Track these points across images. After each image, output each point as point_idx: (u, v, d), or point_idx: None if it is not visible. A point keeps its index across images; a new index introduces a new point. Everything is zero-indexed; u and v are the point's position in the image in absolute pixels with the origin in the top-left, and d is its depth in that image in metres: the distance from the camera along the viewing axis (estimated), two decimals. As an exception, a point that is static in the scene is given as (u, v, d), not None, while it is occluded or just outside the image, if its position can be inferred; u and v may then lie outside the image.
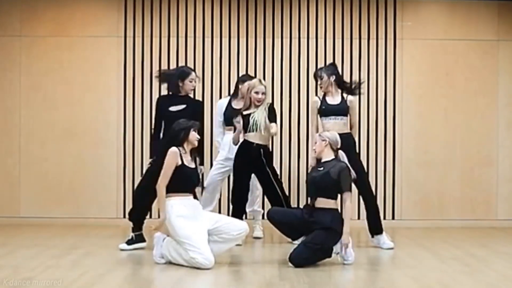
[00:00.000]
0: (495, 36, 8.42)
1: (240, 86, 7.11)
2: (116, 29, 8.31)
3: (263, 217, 7.34)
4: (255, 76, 7.60)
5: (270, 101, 6.97)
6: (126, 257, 6.03)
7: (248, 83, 6.81)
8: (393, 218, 8.25)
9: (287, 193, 7.06)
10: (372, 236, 6.67)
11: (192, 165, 5.81)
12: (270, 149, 6.95)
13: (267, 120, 6.60)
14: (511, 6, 8.39)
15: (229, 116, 7.06)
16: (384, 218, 8.12)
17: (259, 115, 6.62)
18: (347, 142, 6.44)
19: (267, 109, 6.68)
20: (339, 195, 5.83)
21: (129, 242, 6.37)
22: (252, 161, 6.67)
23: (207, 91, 8.23)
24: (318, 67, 7.18)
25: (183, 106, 6.50)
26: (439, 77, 8.36)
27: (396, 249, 6.48)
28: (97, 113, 8.20)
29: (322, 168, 5.86)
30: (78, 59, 8.27)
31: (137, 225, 6.44)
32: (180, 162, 5.68)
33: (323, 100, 6.66)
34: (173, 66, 8.16)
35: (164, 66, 8.21)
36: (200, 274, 5.35)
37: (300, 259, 5.60)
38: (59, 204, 8.16)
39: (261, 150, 6.67)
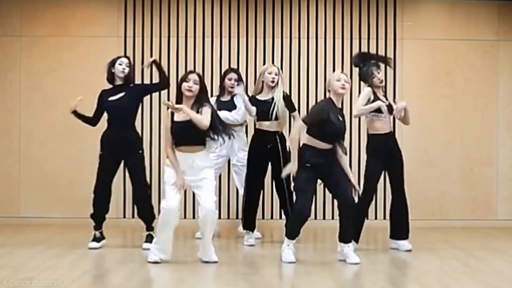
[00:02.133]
0: (495, 36, 8.41)
1: (225, 82, 7.12)
2: (116, 29, 8.31)
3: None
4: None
5: (286, 91, 7.05)
6: (126, 257, 6.03)
7: (261, 69, 6.87)
8: (393, 218, 8.24)
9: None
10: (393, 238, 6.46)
11: (183, 118, 5.56)
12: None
13: (285, 109, 6.64)
14: (511, 6, 8.38)
15: (219, 109, 6.87)
16: (384, 218, 8.12)
17: (280, 102, 6.61)
18: (392, 142, 6.41)
19: (282, 97, 6.66)
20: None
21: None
22: (268, 151, 6.65)
23: (207, 91, 8.22)
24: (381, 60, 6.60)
25: (122, 94, 6.49)
26: (439, 77, 8.36)
27: (396, 250, 6.46)
28: (97, 113, 8.19)
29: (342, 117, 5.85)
30: (78, 59, 8.27)
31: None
32: (169, 125, 5.65)
33: (376, 97, 6.28)
34: (173, 66, 8.17)
35: (164, 66, 8.18)
36: (200, 274, 5.34)
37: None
38: (59, 204, 8.16)
39: (277, 137, 6.67)
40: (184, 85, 5.63)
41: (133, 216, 8.25)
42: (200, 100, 5.62)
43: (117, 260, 5.88)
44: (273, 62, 8.26)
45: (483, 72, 8.38)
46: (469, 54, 8.40)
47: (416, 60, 8.34)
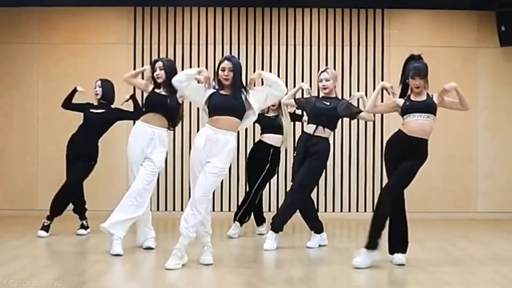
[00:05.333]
0: (475, 43, 8.42)
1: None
2: (126, 37, 8.32)
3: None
4: None
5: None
6: (135, 246, 6.03)
7: None
8: (381, 211, 8.25)
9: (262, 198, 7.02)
10: (392, 253, 5.44)
11: (160, 92, 5.72)
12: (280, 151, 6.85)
13: (290, 125, 6.74)
14: (489, 15, 8.39)
15: None
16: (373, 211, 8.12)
17: (288, 124, 6.67)
18: (421, 148, 5.52)
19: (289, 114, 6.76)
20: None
21: None
22: (261, 160, 6.69)
23: (210, 94, 8.23)
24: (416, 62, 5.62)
25: (102, 110, 6.76)
26: (423, 81, 8.35)
27: (384, 240, 6.44)
28: (109, 114, 8.19)
29: (329, 103, 5.97)
30: (91, 65, 8.28)
31: None
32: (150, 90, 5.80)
33: (407, 99, 5.43)
34: (179, 70, 8.11)
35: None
36: (199, 265, 5.34)
37: None
38: (74, 198, 8.15)
39: (271, 150, 6.71)
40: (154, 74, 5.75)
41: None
42: (169, 85, 5.56)
43: (127, 249, 5.88)
44: (270, 67, 8.32)
45: (464, 76, 8.39)
46: (451, 60, 8.41)
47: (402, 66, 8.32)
